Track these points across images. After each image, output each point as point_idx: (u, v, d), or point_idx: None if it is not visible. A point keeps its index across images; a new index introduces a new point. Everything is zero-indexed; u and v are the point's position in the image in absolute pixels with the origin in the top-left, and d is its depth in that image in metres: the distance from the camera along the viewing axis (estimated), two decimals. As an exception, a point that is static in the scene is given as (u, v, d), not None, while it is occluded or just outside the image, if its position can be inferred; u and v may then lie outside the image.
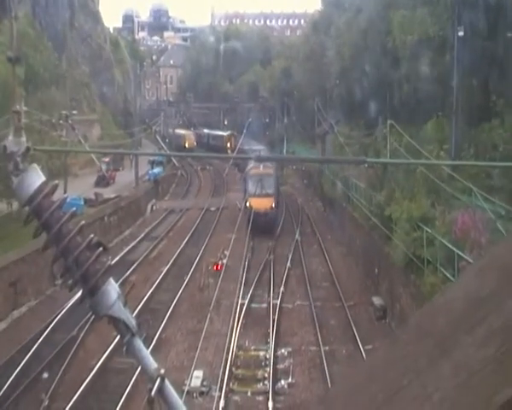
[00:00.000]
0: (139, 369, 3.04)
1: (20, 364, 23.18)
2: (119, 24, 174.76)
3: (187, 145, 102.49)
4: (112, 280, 3.24)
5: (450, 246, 23.88)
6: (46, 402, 20.63)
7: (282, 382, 23.82)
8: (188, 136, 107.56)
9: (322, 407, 1.18)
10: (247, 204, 48.39)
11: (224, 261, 36.34)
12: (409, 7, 39.85)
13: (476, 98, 33.47)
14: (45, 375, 22.88)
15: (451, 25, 33.93)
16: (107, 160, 64.25)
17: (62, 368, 23.17)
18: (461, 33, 32.56)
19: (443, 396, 1.01)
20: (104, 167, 62.19)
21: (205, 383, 23.10)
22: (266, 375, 24.10)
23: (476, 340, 1.06)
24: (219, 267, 35.63)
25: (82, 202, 44.66)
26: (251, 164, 51.27)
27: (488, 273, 1.17)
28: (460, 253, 22.56)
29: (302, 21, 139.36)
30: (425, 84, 38.05)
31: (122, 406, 20.78)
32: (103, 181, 59.53)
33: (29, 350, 24.48)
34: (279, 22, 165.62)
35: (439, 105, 35.95)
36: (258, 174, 50.37)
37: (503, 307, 1.07)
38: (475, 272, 1.24)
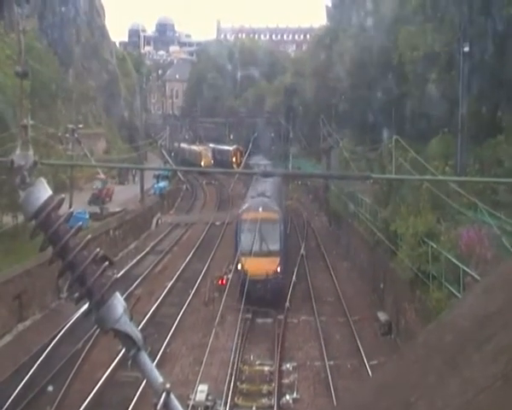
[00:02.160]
0: (144, 383, 3.04)
1: (25, 377, 23.16)
2: (125, 38, 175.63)
3: (203, 164, 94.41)
4: (118, 294, 3.24)
5: (455, 261, 23.85)
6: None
7: (287, 397, 23.76)
8: (204, 153, 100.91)
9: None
10: (239, 267, 34.15)
11: (229, 276, 36.28)
12: (414, 23, 39.90)
13: (482, 114, 33.51)
14: (50, 388, 22.86)
15: (457, 41, 33.97)
16: (102, 177, 59.44)
17: (67, 381, 23.16)
18: (466, 49, 32.61)
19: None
20: (99, 185, 57.55)
21: (210, 397, 23.04)
22: (271, 390, 24.06)
23: (484, 357, 1.06)
24: (224, 282, 35.56)
25: (87, 216, 44.71)
26: (246, 204, 38.84)
27: (495, 291, 1.17)
28: (465, 268, 22.52)
29: (308, 36, 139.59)
30: (430, 100, 38.08)
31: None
32: (98, 200, 54.46)
33: (34, 363, 24.47)
34: (285, 37, 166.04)
35: (444, 121, 35.98)
36: (255, 220, 34.93)
37: (511, 324, 1.07)
38: (482, 290, 1.24)
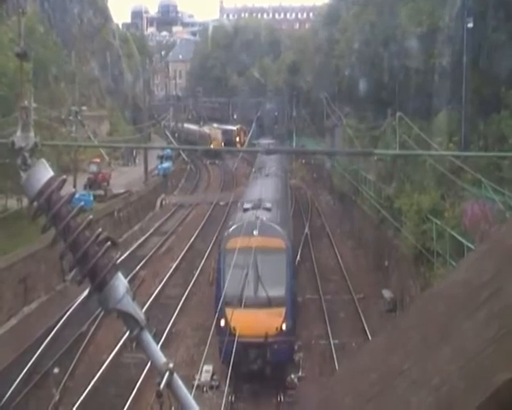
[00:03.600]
0: (149, 364, 3.06)
1: (31, 359, 23.27)
2: (128, 19, 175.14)
3: (213, 146, 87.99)
4: (120, 275, 3.27)
5: (459, 238, 23.86)
6: (57, 397, 20.72)
7: (292, 376, 23.82)
8: (214, 135, 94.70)
9: (327, 391, 1.20)
10: (223, 323, 22.77)
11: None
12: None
13: (486, 90, 33.34)
14: (56, 370, 22.98)
15: (461, 16, 33.81)
16: (97, 160, 57.15)
17: (73, 363, 23.28)
18: (470, 25, 32.44)
19: (442, 380, 1.02)
20: (94, 169, 54.92)
21: (215, 377, 23.15)
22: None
23: (476, 324, 1.08)
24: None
25: (91, 198, 44.75)
26: (234, 224, 26.61)
27: (488, 258, 1.18)
28: (470, 245, 22.52)
29: (311, 15, 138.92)
30: (434, 77, 37.95)
31: (132, 400, 20.84)
32: (94, 184, 52.23)
33: (40, 346, 24.58)
34: (288, 16, 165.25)
35: (448, 97, 35.83)
36: (248, 250, 22.84)
37: (503, 291, 1.08)
38: (476, 257, 1.25)
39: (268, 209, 27.31)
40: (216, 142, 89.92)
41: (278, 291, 23.79)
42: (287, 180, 48.51)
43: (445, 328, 1.06)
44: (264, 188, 32.50)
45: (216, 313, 22.93)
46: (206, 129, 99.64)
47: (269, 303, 23.52)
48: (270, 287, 23.63)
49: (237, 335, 20.77)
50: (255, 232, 23.83)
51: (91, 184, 51.21)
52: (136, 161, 72.33)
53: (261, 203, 27.56)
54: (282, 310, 23.56)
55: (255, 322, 22.89)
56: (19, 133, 3.14)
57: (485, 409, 0.95)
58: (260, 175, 41.05)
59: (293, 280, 25.28)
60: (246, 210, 27.35)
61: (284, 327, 23.28)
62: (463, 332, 1.04)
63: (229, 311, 22.22)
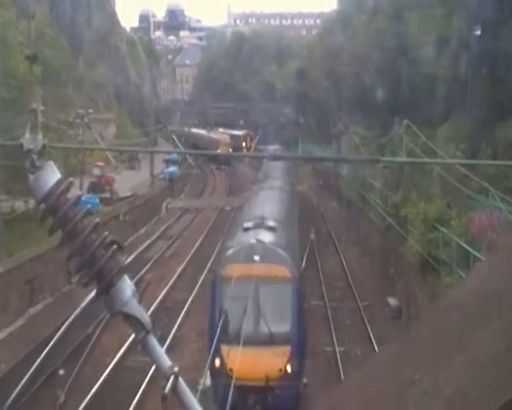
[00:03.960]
0: (154, 367, 3.06)
1: (36, 361, 23.29)
2: (136, 24, 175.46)
3: (220, 151, 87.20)
4: (126, 277, 3.26)
5: (466, 247, 23.81)
6: (62, 399, 20.73)
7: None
8: (223, 140, 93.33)
9: (335, 400, 1.19)
10: (218, 364, 19.95)
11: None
12: (425, 7, 39.69)
13: (493, 98, 33.29)
14: (61, 372, 23.00)
15: (469, 24, 33.80)
16: (101, 164, 56.67)
17: (78, 365, 23.29)
18: (478, 32, 32.45)
19: (454, 391, 1.01)
20: (98, 173, 54.17)
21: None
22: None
23: (489, 335, 1.07)
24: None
25: (97, 200, 44.81)
26: (231, 247, 22.95)
27: (499, 269, 1.18)
28: (476, 253, 22.46)
29: (318, 21, 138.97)
30: (441, 85, 37.93)
31: (137, 403, 20.81)
32: (97, 188, 51.30)
33: (45, 347, 24.60)
34: (295, 22, 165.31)
35: (455, 105, 35.79)
36: (247, 279, 19.77)
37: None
38: (487, 268, 1.25)
39: (272, 229, 23.63)
40: (224, 147, 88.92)
41: (283, 327, 20.46)
42: (293, 193, 45.60)
43: (457, 338, 1.06)
44: (267, 203, 30.19)
45: (210, 351, 19.32)
46: (214, 134, 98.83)
47: (271, 341, 20.16)
48: (274, 322, 20.35)
49: (234, 377, 17.09)
50: (256, 258, 20.34)
51: (94, 188, 50.70)
52: (141, 165, 72.36)
53: (264, 222, 24.08)
54: (287, 349, 20.24)
55: (255, 362, 19.53)
56: (27, 135, 3.14)
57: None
58: (264, 187, 37.84)
59: (300, 314, 21.50)
60: (246, 230, 23.60)
61: (289, 369, 20.03)
62: (476, 343, 1.03)
63: (225, 349, 19.21)
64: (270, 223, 24.13)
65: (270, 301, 20.42)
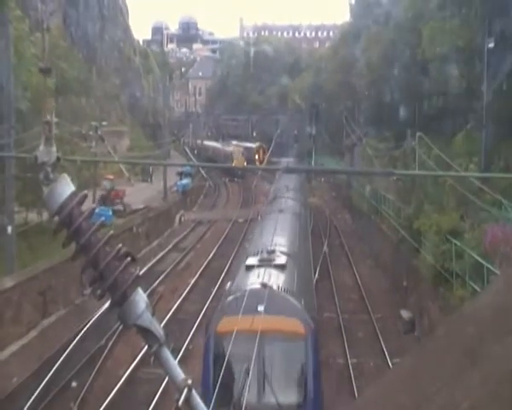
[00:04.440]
0: (167, 379, 3.04)
1: (49, 373, 23.28)
2: (149, 36, 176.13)
3: (235, 164, 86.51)
4: (140, 290, 3.26)
5: (479, 259, 23.70)
6: (75, 411, 20.74)
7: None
8: (236, 153, 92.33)
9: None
10: None
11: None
12: (438, 18, 39.67)
13: (507, 110, 33.21)
14: (74, 384, 22.99)
15: (482, 36, 33.75)
16: (111, 177, 56.15)
17: (91, 377, 23.27)
18: (491, 44, 32.39)
19: (471, 405, 1.00)
20: (108, 186, 53.46)
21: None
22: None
23: (505, 349, 1.06)
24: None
25: (110, 213, 44.91)
26: (228, 296, 18.00)
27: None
28: (490, 266, 22.36)
29: (331, 33, 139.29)
30: (455, 96, 37.88)
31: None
32: (107, 201, 50.65)
33: (58, 359, 24.60)
34: (308, 34, 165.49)
35: (469, 117, 35.75)
36: (250, 334, 14.95)
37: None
38: (503, 283, 1.24)
39: (281, 268, 19.42)
40: (238, 160, 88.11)
41: (294, 396, 16.31)
42: (306, 212, 42.40)
43: (473, 352, 1.04)
44: (277, 230, 24.60)
45: None
46: (228, 147, 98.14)
47: None
48: (283, 390, 16.14)
49: None
50: (260, 308, 15.92)
51: (104, 201, 50.07)
52: (152, 178, 72.49)
53: (272, 257, 19.93)
54: None
55: None
56: (41, 148, 3.15)
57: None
58: (273, 209, 34.00)
59: (317, 379, 16.83)
60: (249, 268, 19.48)
61: None
62: (493, 357, 1.02)
63: None
64: (280, 259, 20.01)
65: (278, 364, 16.32)
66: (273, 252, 20.53)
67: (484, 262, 23.06)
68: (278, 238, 23.39)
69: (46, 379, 22.69)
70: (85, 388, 22.43)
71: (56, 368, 23.81)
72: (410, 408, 1.09)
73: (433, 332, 1.45)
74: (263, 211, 37.46)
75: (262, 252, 20.87)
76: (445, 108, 39.01)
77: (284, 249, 22.11)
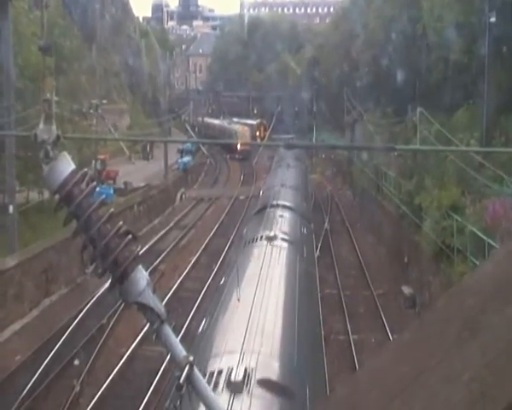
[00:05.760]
0: (168, 357, 3.04)
1: (51, 351, 23.38)
2: (149, 14, 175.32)
3: (239, 147, 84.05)
4: (141, 267, 3.26)
5: (480, 235, 23.72)
6: (77, 388, 20.83)
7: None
8: (241, 133, 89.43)
9: (351, 387, 1.19)
10: None
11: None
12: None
13: (507, 85, 33.10)
14: (76, 362, 23.08)
15: (483, 10, 33.56)
16: (102, 157, 54.53)
17: (93, 355, 23.37)
18: (492, 19, 32.20)
19: (472, 376, 1.01)
20: (98, 166, 51.55)
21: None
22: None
23: (504, 320, 1.06)
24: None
25: (111, 191, 44.92)
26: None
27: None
28: (491, 241, 22.38)
29: (331, 9, 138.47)
30: (455, 72, 37.74)
31: (152, 392, 20.88)
32: (98, 181, 46.37)
33: (60, 338, 24.68)
34: (308, 10, 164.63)
35: (469, 92, 35.64)
36: None
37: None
38: (504, 255, 1.24)
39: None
40: (243, 139, 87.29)
41: None
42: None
43: (473, 323, 1.05)
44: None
45: None
46: (232, 125, 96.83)
47: None
48: None
49: None
50: None
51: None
52: (152, 155, 72.35)
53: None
54: None
55: None
56: (41, 126, 3.14)
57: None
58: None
59: None
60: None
61: None
62: (492, 328, 1.02)
63: None
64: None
65: None
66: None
67: (485, 237, 23.09)
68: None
69: (48, 357, 22.79)
70: (87, 366, 22.54)
71: (59, 346, 23.90)
72: (410, 378, 1.09)
73: (432, 304, 1.45)
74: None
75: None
76: (446, 83, 38.88)
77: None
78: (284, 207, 24.07)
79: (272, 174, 42.21)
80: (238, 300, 12.53)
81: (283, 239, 18.02)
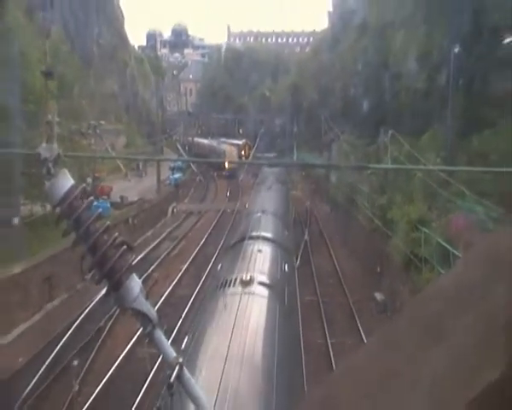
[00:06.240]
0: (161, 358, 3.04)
1: (52, 353, 23.27)
2: (144, 42, 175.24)
3: (227, 165, 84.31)
4: (135, 276, 3.26)
5: (446, 245, 23.87)
6: (76, 388, 20.71)
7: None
8: (229, 153, 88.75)
9: (326, 388, 1.19)
10: None
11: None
12: (408, 25, 39.77)
13: (469, 111, 33.38)
14: (75, 362, 22.96)
15: (448, 42, 33.89)
16: (97, 174, 51.68)
17: (91, 356, 23.28)
18: (456, 50, 32.54)
19: (433, 380, 1.01)
20: (92, 183, 47.87)
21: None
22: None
23: (464, 326, 1.07)
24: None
25: (108, 205, 44.72)
26: None
27: (474, 266, 1.18)
28: (455, 251, 22.53)
29: (311, 39, 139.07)
30: (423, 98, 38.01)
31: (145, 391, 20.78)
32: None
33: (60, 340, 24.60)
34: (289, 40, 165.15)
35: (436, 117, 35.87)
36: None
37: (489, 293, 1.07)
38: (465, 264, 1.25)
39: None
40: (231, 157, 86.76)
41: None
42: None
43: (437, 328, 1.05)
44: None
45: None
46: (221, 145, 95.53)
47: None
48: None
49: None
50: None
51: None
52: (144, 173, 72.18)
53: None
54: None
55: None
56: (44, 145, 3.15)
57: (474, 408, 0.94)
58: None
59: None
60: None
61: None
62: (455, 332, 1.03)
63: None
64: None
65: None
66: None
67: (450, 248, 23.23)
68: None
69: (50, 359, 22.70)
70: (86, 366, 22.44)
71: (59, 349, 23.81)
72: (379, 384, 1.09)
73: (400, 311, 1.46)
74: (245, 211, 34.12)
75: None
76: (415, 108, 39.12)
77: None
78: (264, 239, 20.24)
79: (253, 197, 39.02)
80: (205, 360, 10.14)
81: (261, 283, 14.44)
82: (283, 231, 26.12)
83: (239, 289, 13.58)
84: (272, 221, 25.66)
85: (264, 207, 27.63)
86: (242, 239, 19.96)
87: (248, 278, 14.11)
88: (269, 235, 21.31)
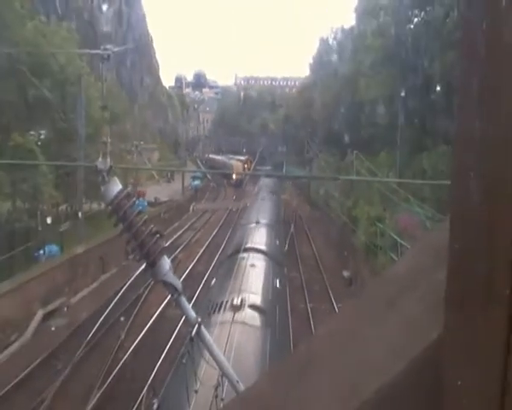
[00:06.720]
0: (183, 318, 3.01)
1: (105, 311, 23.34)
2: (173, 83, 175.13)
3: (234, 176, 78.83)
4: (165, 256, 3.25)
5: (395, 237, 23.95)
6: (123, 337, 20.78)
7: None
8: (236, 167, 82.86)
9: (306, 348, 1.18)
10: None
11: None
12: (370, 73, 39.87)
13: (415, 137, 33.54)
14: (122, 319, 23.03)
15: (401, 86, 34.17)
16: (132, 181, 49.60)
17: (133, 315, 23.29)
18: (402, 94, 33.08)
19: (390, 340, 1.00)
20: (131, 188, 48.35)
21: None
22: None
23: (416, 298, 1.06)
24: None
25: (146, 203, 44.80)
26: None
27: (422, 254, 1.17)
28: (402, 242, 22.62)
29: (297, 82, 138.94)
30: (381, 127, 38.18)
31: (172, 342, 20.75)
32: None
33: (111, 302, 24.70)
34: (281, 83, 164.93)
35: (389, 140, 35.97)
36: None
37: (434, 276, 1.07)
38: (412, 254, 1.24)
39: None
40: (237, 170, 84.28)
41: None
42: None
43: (392, 302, 1.05)
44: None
45: None
46: (231, 161, 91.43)
47: None
48: None
49: None
50: None
51: None
52: (173, 179, 72.54)
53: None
54: None
55: None
56: (100, 159, 3.14)
57: (420, 362, 0.93)
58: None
59: None
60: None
61: None
62: (406, 305, 1.03)
63: None
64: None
65: None
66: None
67: (398, 239, 23.32)
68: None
69: (103, 316, 22.74)
70: (129, 322, 22.46)
71: (110, 308, 23.88)
72: (349, 341, 1.08)
73: (362, 288, 1.46)
74: (242, 221, 31.79)
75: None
76: (374, 135, 39.20)
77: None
78: (257, 251, 17.22)
79: (249, 208, 35.34)
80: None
81: (252, 306, 11.16)
82: (275, 240, 22.77)
83: (229, 315, 10.41)
84: (265, 233, 22.36)
85: (259, 218, 24.64)
86: (237, 251, 17.21)
87: (239, 302, 11.01)
88: (262, 247, 18.33)
